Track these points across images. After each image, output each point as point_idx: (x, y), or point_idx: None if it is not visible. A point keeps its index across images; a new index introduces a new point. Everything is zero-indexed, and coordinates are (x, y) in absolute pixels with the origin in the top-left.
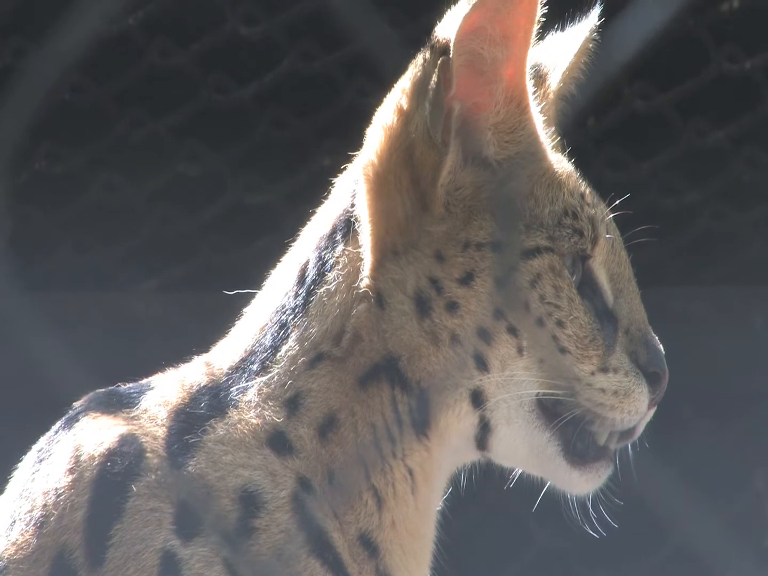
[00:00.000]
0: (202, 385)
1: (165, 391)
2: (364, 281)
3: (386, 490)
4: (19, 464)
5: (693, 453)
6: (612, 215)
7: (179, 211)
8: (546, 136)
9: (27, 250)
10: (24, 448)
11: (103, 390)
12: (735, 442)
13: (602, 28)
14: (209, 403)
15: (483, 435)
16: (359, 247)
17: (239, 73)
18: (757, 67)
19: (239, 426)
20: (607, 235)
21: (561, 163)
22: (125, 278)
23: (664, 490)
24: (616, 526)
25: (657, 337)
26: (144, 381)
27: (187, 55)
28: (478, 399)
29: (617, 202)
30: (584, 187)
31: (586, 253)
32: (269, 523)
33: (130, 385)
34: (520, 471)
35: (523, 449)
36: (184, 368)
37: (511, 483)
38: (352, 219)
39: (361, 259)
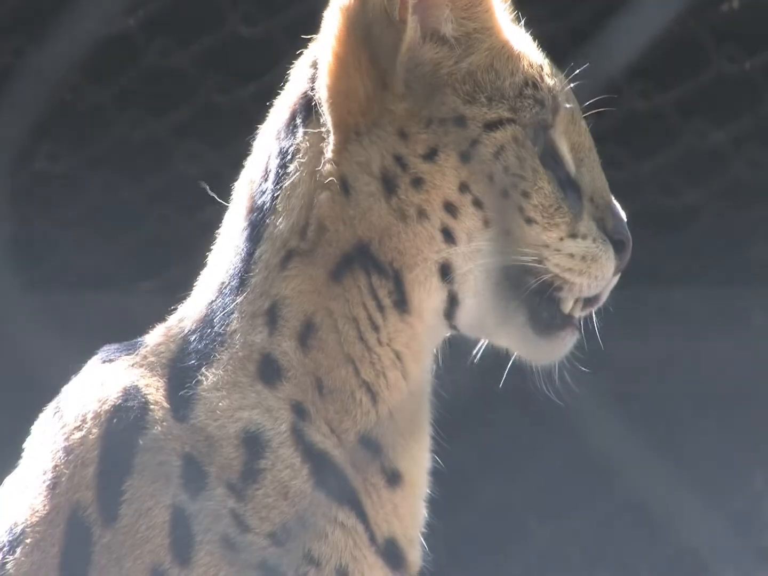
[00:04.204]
0: (189, 330)
1: (155, 346)
2: (327, 167)
3: (378, 382)
4: (18, 464)
5: (693, 453)
6: (570, 86)
7: (179, 212)
8: (503, 10)
9: (27, 250)
10: (23, 449)
11: (98, 351)
12: (734, 442)
13: (602, 29)
14: (197, 349)
15: (451, 309)
16: (320, 127)
17: (239, 73)
18: (757, 67)
19: (229, 366)
20: (567, 105)
21: (519, 36)
22: (125, 278)
23: (664, 490)
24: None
25: (619, 205)
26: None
27: (187, 55)
28: (446, 272)
29: (577, 71)
30: (543, 58)
31: (548, 123)
32: (275, 461)
33: (123, 343)
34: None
35: (490, 320)
36: (171, 318)
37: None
38: (313, 102)
39: (323, 139)
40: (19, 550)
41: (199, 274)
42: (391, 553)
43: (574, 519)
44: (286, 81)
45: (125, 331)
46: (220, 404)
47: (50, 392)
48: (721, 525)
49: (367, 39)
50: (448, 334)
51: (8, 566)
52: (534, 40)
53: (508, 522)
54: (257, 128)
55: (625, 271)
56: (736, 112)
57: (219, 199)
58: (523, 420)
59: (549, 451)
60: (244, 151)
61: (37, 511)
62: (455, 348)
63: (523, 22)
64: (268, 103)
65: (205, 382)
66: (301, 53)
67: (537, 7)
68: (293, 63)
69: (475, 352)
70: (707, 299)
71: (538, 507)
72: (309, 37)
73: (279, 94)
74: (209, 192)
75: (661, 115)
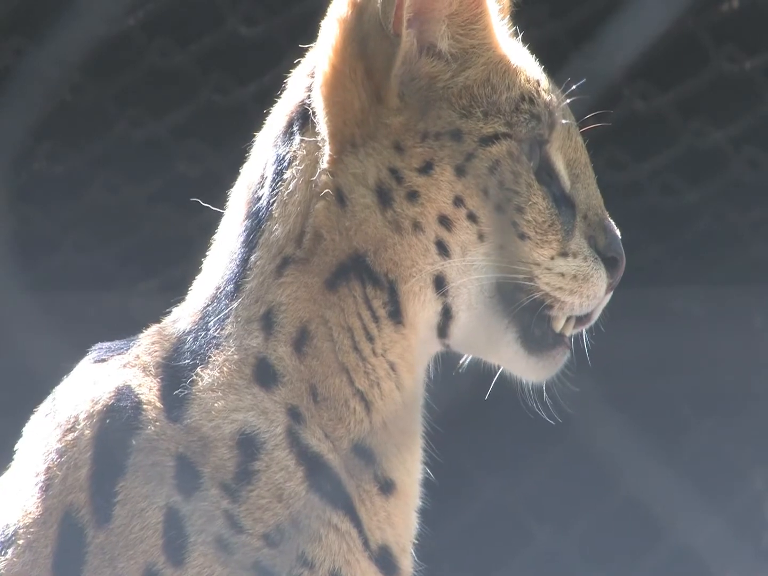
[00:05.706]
0: (184, 331)
1: (149, 345)
2: (323, 178)
3: (372, 391)
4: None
5: (692, 453)
6: (567, 101)
7: (179, 212)
8: (501, 25)
9: (27, 250)
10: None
11: (90, 351)
12: (734, 442)
13: (602, 29)
14: (191, 349)
15: (445, 323)
16: (316, 136)
17: (239, 73)
18: (757, 67)
19: (225, 368)
20: (563, 121)
21: (516, 50)
22: (125, 278)
23: (664, 490)
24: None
25: (613, 222)
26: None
27: (187, 55)
28: (440, 285)
29: (573, 87)
30: (540, 74)
31: (544, 138)
32: (269, 463)
33: (115, 342)
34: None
35: (482, 336)
36: (166, 320)
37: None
38: (309, 111)
39: (319, 148)
40: (10, 551)
41: (197, 274)
42: (385, 560)
43: (574, 519)
44: (284, 88)
45: (125, 331)
46: (216, 405)
47: (50, 392)
48: (721, 525)
49: (363, 51)
50: (438, 350)
51: None
52: (534, 40)
53: (507, 523)
54: (257, 128)
55: (625, 271)
56: (736, 112)
57: (217, 205)
58: (523, 420)
59: (549, 452)
60: (244, 151)
61: (30, 513)
62: (455, 349)
63: (523, 23)
64: (268, 104)
65: (200, 383)
66: (299, 58)
67: (537, 8)
68: (293, 63)
69: (462, 360)
70: (707, 299)
71: (538, 507)
72: (307, 45)
73: (279, 94)
74: (203, 204)
75: (661, 115)
